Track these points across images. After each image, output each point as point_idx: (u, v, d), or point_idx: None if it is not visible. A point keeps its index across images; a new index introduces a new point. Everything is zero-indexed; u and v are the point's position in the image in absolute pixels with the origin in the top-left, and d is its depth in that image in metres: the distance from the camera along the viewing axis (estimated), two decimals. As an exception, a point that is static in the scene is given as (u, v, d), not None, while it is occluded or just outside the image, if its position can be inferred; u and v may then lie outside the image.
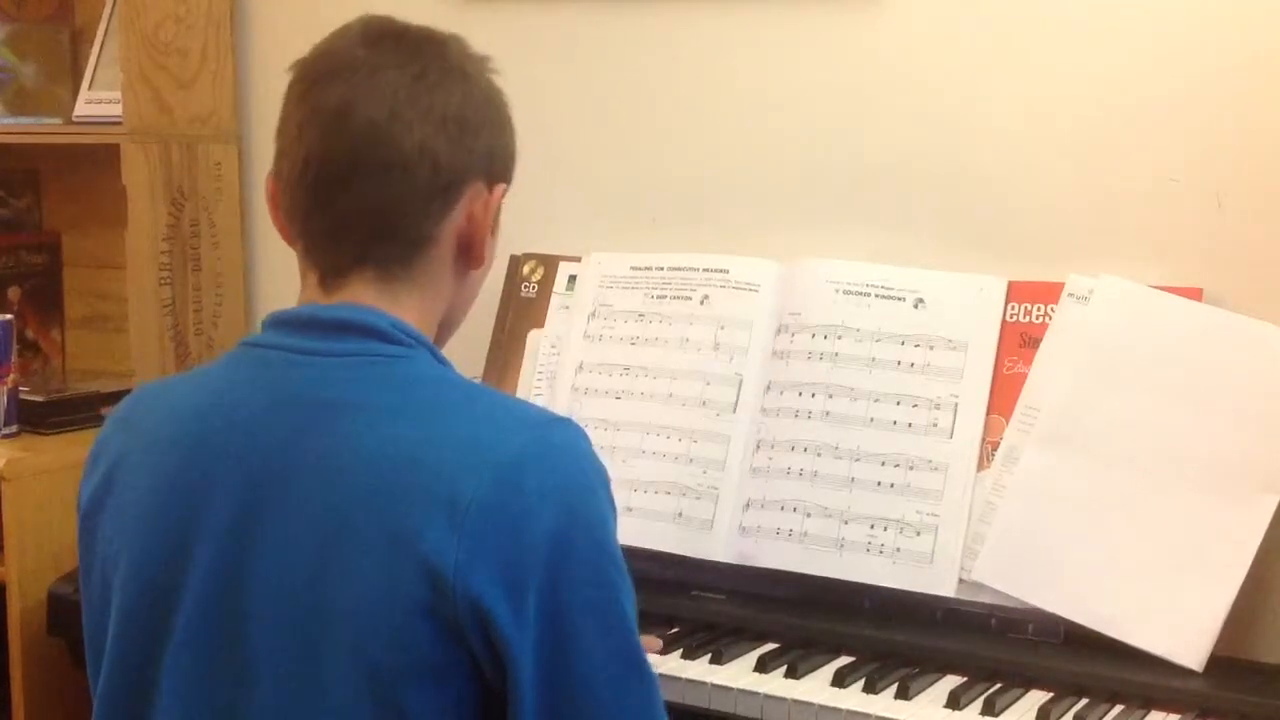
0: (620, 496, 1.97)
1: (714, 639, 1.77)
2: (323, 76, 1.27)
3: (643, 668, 1.19)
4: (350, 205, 1.25)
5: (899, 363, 1.89)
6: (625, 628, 1.18)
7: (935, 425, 1.85)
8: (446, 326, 1.36)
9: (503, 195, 1.33)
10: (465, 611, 1.12)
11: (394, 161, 1.25)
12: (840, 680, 1.64)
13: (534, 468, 1.16)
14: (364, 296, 1.27)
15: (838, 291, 1.95)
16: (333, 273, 1.28)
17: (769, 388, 1.95)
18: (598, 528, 1.18)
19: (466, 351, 2.10)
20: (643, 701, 1.19)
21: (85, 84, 2.58)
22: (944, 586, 1.80)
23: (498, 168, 1.33)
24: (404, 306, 1.28)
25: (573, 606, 1.15)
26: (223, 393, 1.27)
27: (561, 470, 1.18)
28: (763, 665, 1.68)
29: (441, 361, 1.29)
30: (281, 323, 1.28)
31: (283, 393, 1.23)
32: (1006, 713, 1.59)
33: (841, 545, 1.85)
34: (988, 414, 1.85)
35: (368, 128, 1.24)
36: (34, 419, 2.38)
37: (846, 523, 1.85)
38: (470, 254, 1.31)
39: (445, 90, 1.27)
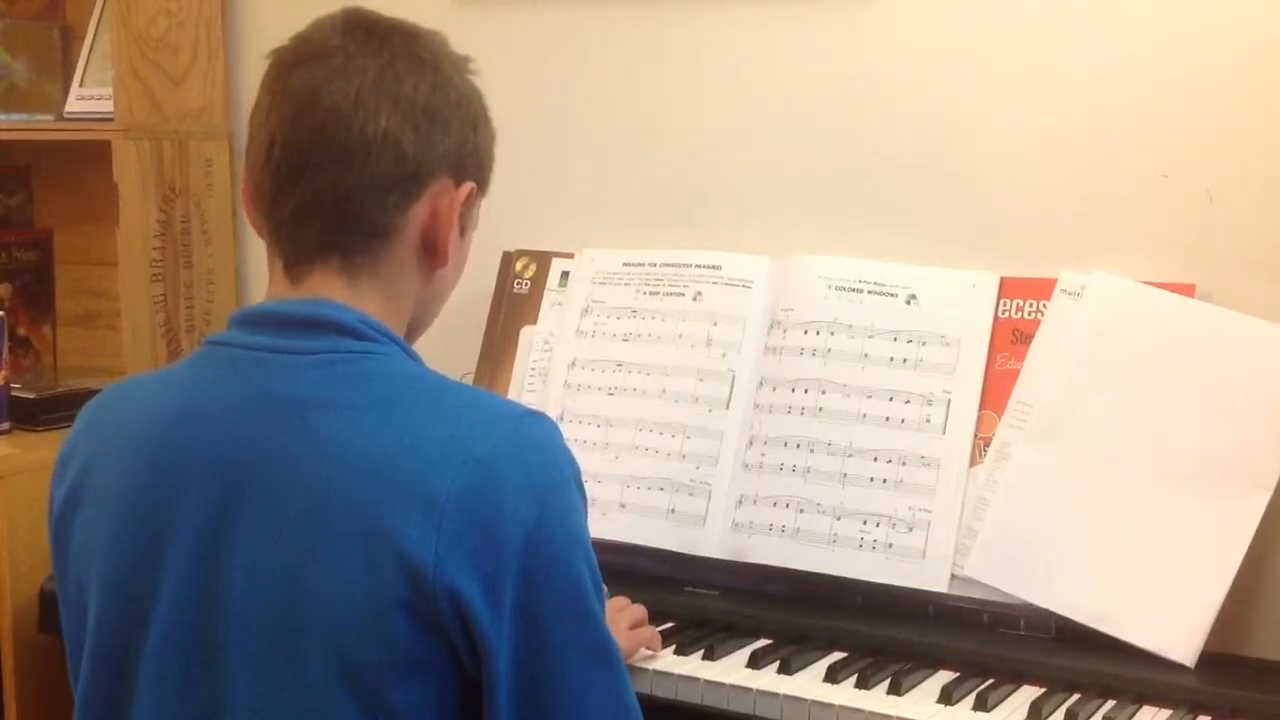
0: (613, 492, 2.00)
1: (706, 635, 1.76)
2: (294, 63, 1.26)
3: (613, 660, 1.21)
4: (312, 190, 1.24)
5: (891, 359, 1.89)
6: (596, 620, 1.20)
7: (928, 421, 1.85)
8: (415, 326, 1.34)
9: (472, 195, 1.31)
10: (445, 605, 1.13)
11: (356, 147, 1.23)
12: (833, 676, 1.64)
13: (509, 462, 1.16)
14: (329, 289, 1.26)
15: (830, 288, 1.95)
16: (297, 261, 1.27)
17: (761, 384, 1.95)
18: (570, 520, 1.20)
19: (459, 348, 2.11)
20: (612, 691, 1.20)
21: (76, 81, 2.58)
22: (936, 582, 1.80)
23: (468, 165, 1.30)
24: (369, 300, 1.27)
25: (546, 598, 1.16)
26: (191, 394, 1.25)
27: (536, 464, 1.18)
28: (755, 661, 1.69)
29: (413, 357, 1.28)
30: (248, 320, 1.27)
31: (253, 392, 1.22)
32: (998, 708, 1.59)
33: (834, 541, 1.85)
34: (980, 410, 1.85)
35: (331, 113, 1.23)
36: (26, 416, 2.38)
37: (839, 518, 1.86)
38: (434, 251, 1.29)
39: (414, 80, 1.26)
